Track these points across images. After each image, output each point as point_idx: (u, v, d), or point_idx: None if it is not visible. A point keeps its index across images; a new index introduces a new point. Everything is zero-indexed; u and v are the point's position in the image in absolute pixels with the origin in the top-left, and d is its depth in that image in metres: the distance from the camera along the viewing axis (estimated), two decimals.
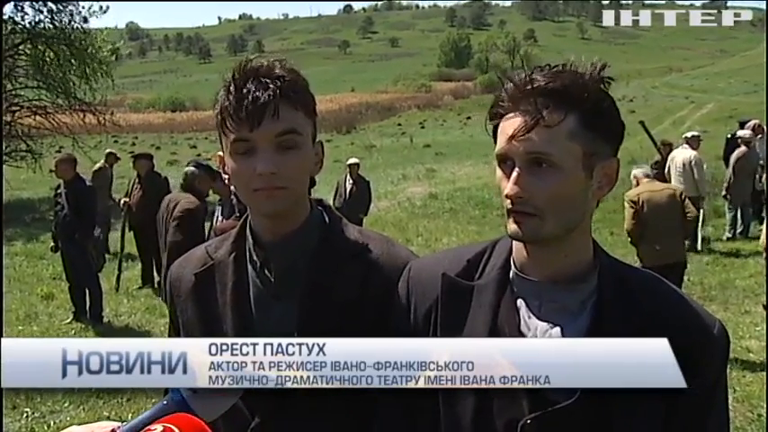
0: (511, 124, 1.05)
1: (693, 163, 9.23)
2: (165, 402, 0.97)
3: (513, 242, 1.16)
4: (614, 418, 1.03)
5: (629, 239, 5.72)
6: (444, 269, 1.19)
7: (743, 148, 9.66)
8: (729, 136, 10.71)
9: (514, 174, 1.04)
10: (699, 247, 9.20)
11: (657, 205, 5.54)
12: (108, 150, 11.26)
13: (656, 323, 1.05)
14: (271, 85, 1.19)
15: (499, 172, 1.09)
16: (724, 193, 9.99)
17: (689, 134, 9.94)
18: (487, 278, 1.16)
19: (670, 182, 9.21)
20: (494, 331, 1.10)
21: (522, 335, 1.09)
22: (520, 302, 1.12)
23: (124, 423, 0.96)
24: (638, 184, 5.81)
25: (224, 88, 1.23)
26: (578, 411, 1.03)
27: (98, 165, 10.37)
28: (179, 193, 5.51)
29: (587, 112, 1.04)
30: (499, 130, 1.09)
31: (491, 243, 1.22)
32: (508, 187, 1.04)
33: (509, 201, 1.05)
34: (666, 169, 9.50)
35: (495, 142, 1.11)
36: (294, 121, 1.21)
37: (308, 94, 1.26)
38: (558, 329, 1.08)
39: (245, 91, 1.20)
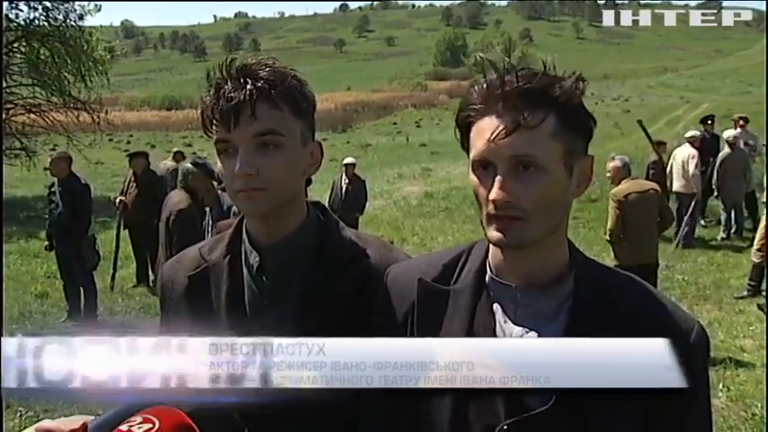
0: (489, 127, 1.02)
1: (689, 159, 9.35)
2: None
3: (490, 246, 1.14)
4: (591, 423, 1.02)
5: (608, 237, 5.64)
6: (421, 274, 1.17)
7: (727, 150, 9.71)
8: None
9: (498, 179, 1.01)
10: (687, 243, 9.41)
11: (642, 206, 5.50)
12: (175, 149, 11.60)
13: (634, 327, 1.03)
14: (248, 86, 1.17)
15: (474, 178, 1.06)
16: (716, 194, 10.02)
17: (689, 133, 10.02)
18: (463, 283, 1.14)
19: (672, 181, 9.30)
20: (470, 336, 1.09)
21: None
22: (496, 307, 1.11)
23: (95, 417, 0.95)
24: (616, 176, 5.67)
25: (206, 88, 1.23)
26: (555, 417, 1.02)
27: (170, 163, 10.38)
28: (176, 192, 5.45)
29: (565, 110, 1.02)
30: (473, 134, 1.06)
31: (468, 247, 1.21)
32: (494, 192, 1.01)
33: (492, 206, 1.02)
34: (669, 168, 9.58)
35: (465, 147, 1.09)
36: (274, 121, 1.19)
37: (298, 93, 1.23)
38: (533, 334, 1.07)
39: (222, 91, 1.19)
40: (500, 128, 1.01)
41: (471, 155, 1.06)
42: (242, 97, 1.17)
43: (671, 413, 1.05)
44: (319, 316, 1.24)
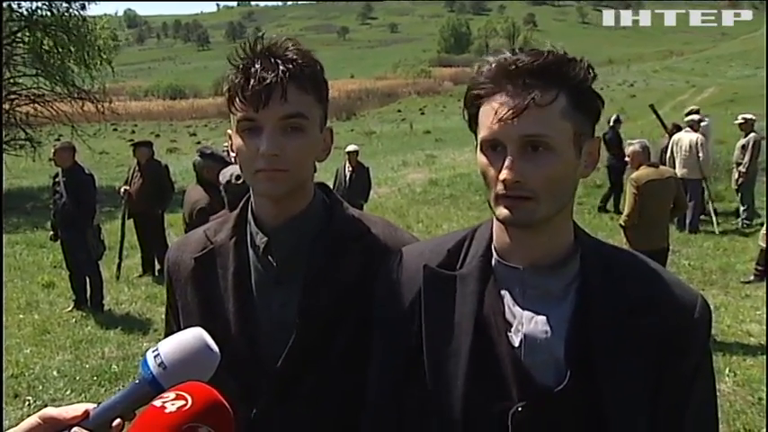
0: (498, 106, 1.00)
1: (699, 145, 9.27)
2: (136, 381, 0.93)
3: (494, 228, 1.13)
4: (605, 401, 1.02)
5: (623, 223, 5.58)
6: (425, 260, 1.16)
7: (753, 135, 9.61)
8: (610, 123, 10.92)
9: (508, 159, 0.99)
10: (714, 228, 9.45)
11: (660, 193, 5.47)
12: None
13: (642, 305, 1.04)
14: (280, 66, 1.17)
15: (482, 158, 1.04)
16: (741, 180, 9.76)
17: (691, 117, 9.94)
18: (469, 267, 1.13)
19: (673, 165, 9.24)
20: (480, 321, 1.08)
21: (507, 323, 1.07)
22: (503, 291, 1.10)
23: (97, 405, 0.94)
24: (635, 160, 5.63)
25: (233, 66, 1.21)
26: (568, 396, 1.02)
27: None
28: (194, 187, 5.25)
29: (576, 90, 1.01)
30: (482, 114, 1.04)
31: (471, 231, 1.19)
32: (504, 173, 0.99)
33: (502, 186, 1.01)
34: (669, 152, 9.52)
35: (473, 128, 1.07)
36: (302, 104, 1.19)
37: (320, 79, 1.25)
38: (542, 317, 1.06)
39: (252, 70, 1.18)
40: (510, 107, 0.99)
41: (480, 135, 1.04)
42: (274, 78, 1.16)
43: (679, 383, 1.06)
44: (326, 295, 1.24)
